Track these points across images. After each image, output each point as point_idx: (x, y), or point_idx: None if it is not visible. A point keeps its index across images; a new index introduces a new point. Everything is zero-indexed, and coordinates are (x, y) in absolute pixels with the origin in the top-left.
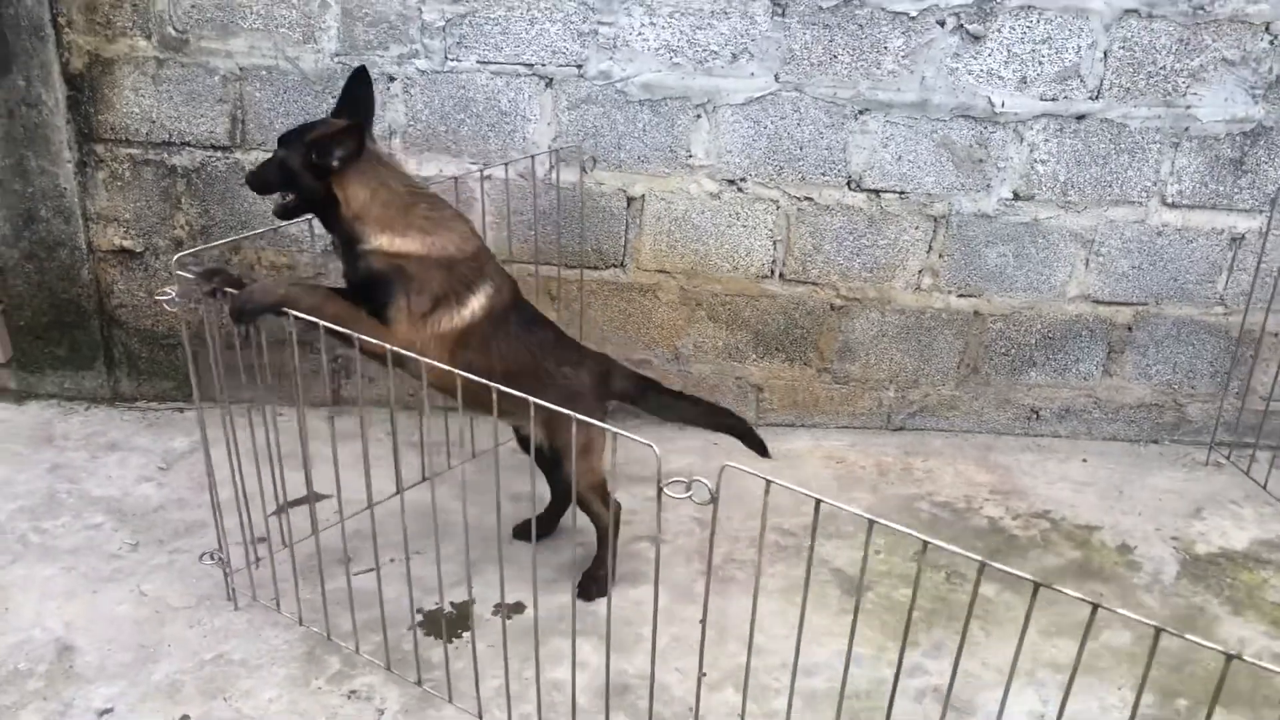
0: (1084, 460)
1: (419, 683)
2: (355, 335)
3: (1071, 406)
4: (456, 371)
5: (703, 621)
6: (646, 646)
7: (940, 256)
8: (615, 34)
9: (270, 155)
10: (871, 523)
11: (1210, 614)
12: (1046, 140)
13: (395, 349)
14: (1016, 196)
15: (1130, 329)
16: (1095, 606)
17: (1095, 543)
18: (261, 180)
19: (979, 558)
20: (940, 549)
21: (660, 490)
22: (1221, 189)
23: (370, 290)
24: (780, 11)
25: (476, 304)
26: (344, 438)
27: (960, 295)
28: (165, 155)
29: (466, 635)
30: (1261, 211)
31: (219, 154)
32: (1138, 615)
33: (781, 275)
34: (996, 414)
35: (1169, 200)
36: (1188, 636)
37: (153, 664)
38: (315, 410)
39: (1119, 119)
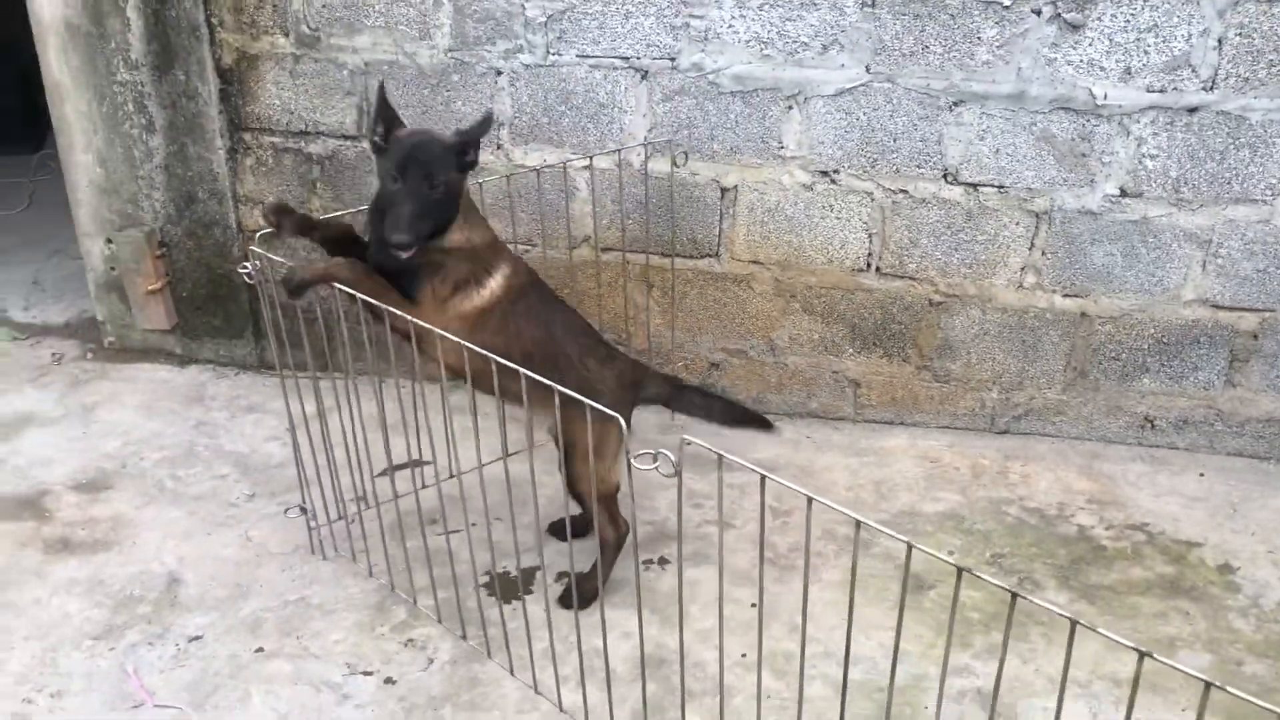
0: (1200, 475)
1: (464, 636)
2: (385, 309)
3: (1190, 417)
4: (465, 345)
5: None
6: (692, 624)
7: (1043, 254)
8: (706, 26)
9: (404, 192)
10: (810, 500)
11: None
12: (1155, 134)
13: (419, 323)
14: (1123, 193)
15: (1256, 337)
16: (1074, 622)
17: (1193, 559)
18: (421, 218)
19: (952, 562)
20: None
21: (629, 462)
22: None
23: (403, 276)
24: (870, 2)
25: (495, 284)
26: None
27: (1065, 295)
28: (302, 143)
29: (527, 599)
30: None
31: (348, 143)
32: (1187, 668)
33: (877, 269)
34: (1107, 421)
35: None
36: (1232, 690)
37: (243, 600)
38: (421, 384)
39: (1237, 111)
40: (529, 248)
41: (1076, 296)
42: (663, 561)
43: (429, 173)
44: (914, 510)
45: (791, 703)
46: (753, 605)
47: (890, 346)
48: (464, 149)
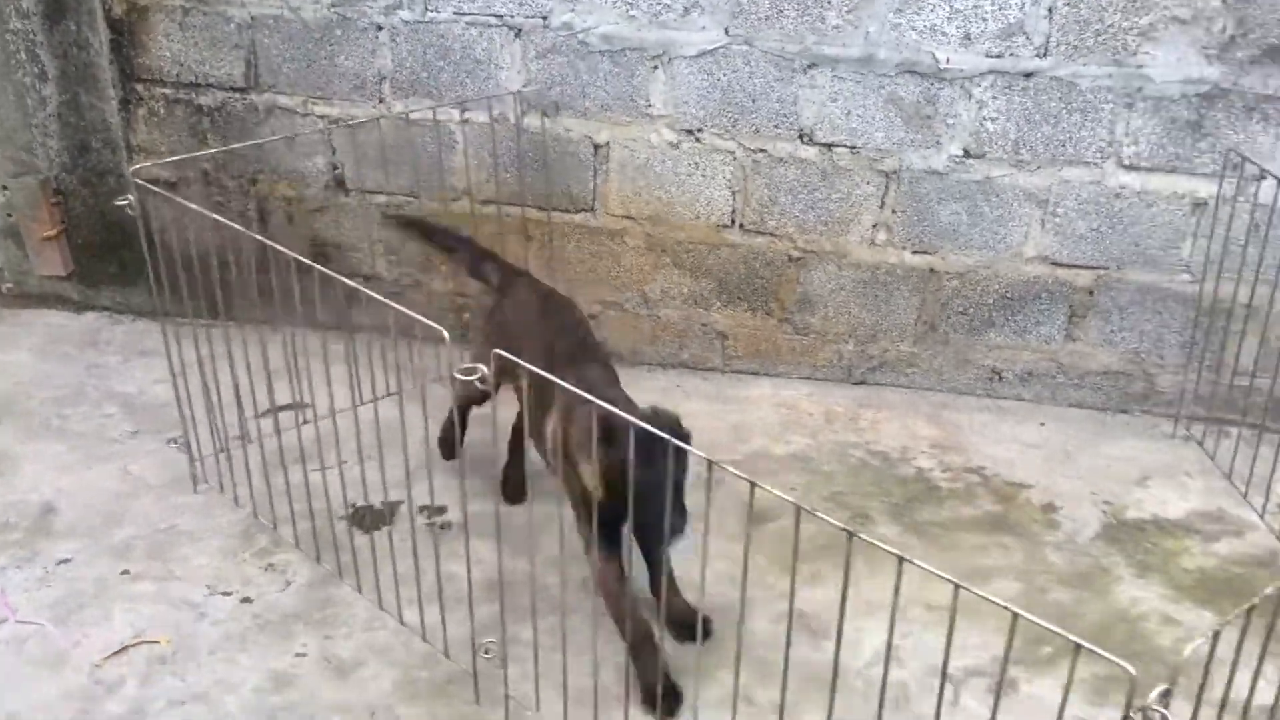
0: (1041, 424)
1: (319, 560)
2: None
3: (1034, 370)
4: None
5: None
6: (544, 552)
7: (893, 212)
8: None
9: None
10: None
11: (1114, 575)
12: (995, 98)
13: None
14: (967, 154)
15: (1091, 293)
16: (900, 559)
17: (1021, 500)
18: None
19: (793, 501)
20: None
21: (453, 376)
22: (1180, 152)
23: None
24: None
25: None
26: (318, 356)
27: (915, 252)
28: (193, 95)
29: (389, 529)
30: (1228, 178)
31: (236, 95)
32: (995, 598)
33: (741, 226)
34: (956, 373)
35: (1126, 162)
36: (1030, 617)
37: (115, 528)
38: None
39: (1068, 77)
40: (410, 199)
41: (925, 253)
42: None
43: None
44: (765, 452)
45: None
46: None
47: (754, 300)
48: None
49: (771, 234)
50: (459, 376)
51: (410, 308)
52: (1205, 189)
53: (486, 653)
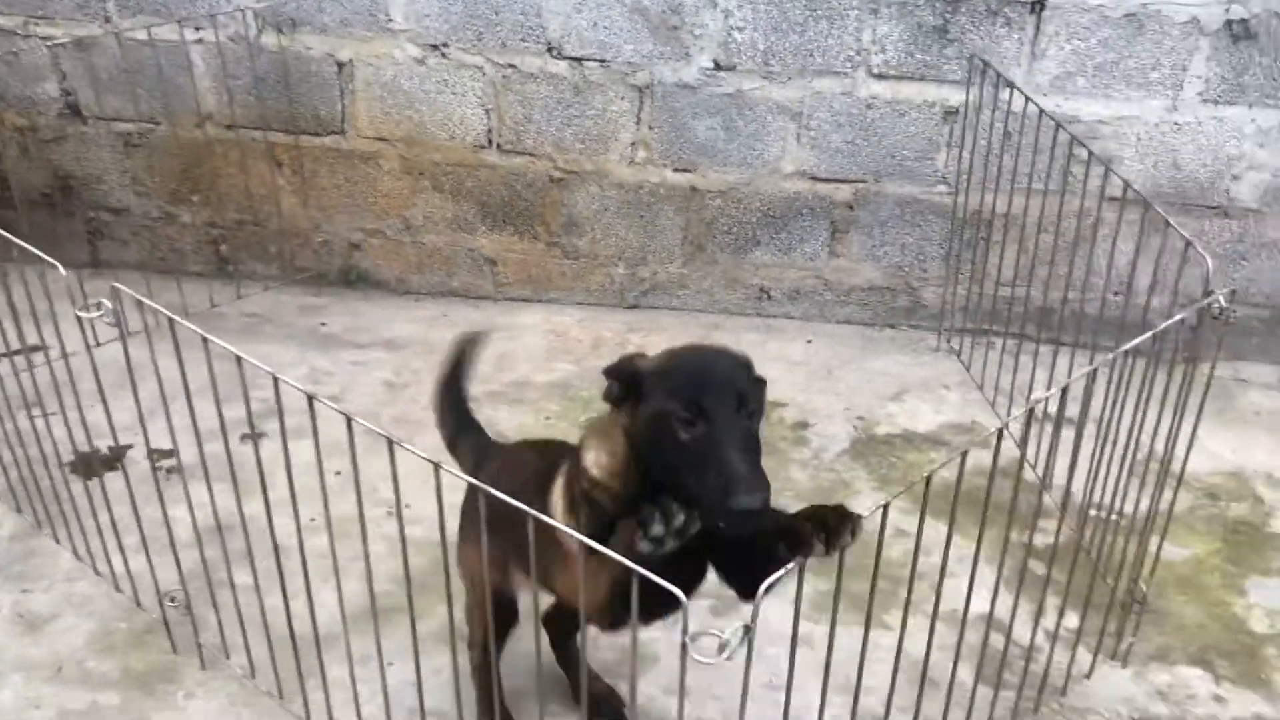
0: (809, 341)
1: (19, 510)
2: None
3: (801, 288)
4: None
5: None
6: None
7: (650, 129)
8: None
9: (720, 434)
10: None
11: (854, 489)
12: (740, 6)
13: None
14: (718, 66)
15: (852, 208)
16: (436, 465)
17: (774, 419)
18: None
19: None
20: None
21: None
22: (928, 59)
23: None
24: None
25: None
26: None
27: (675, 170)
28: None
29: (108, 475)
30: (974, 84)
31: None
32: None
33: (498, 146)
34: (726, 294)
35: (875, 71)
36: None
37: None
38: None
39: None
40: (152, 126)
41: (686, 171)
42: (261, 436)
43: (739, 392)
44: (526, 380)
45: (351, 559)
46: (337, 473)
47: (520, 224)
48: (748, 363)
49: (530, 154)
50: (85, 315)
51: (162, 241)
52: (955, 97)
53: (172, 600)
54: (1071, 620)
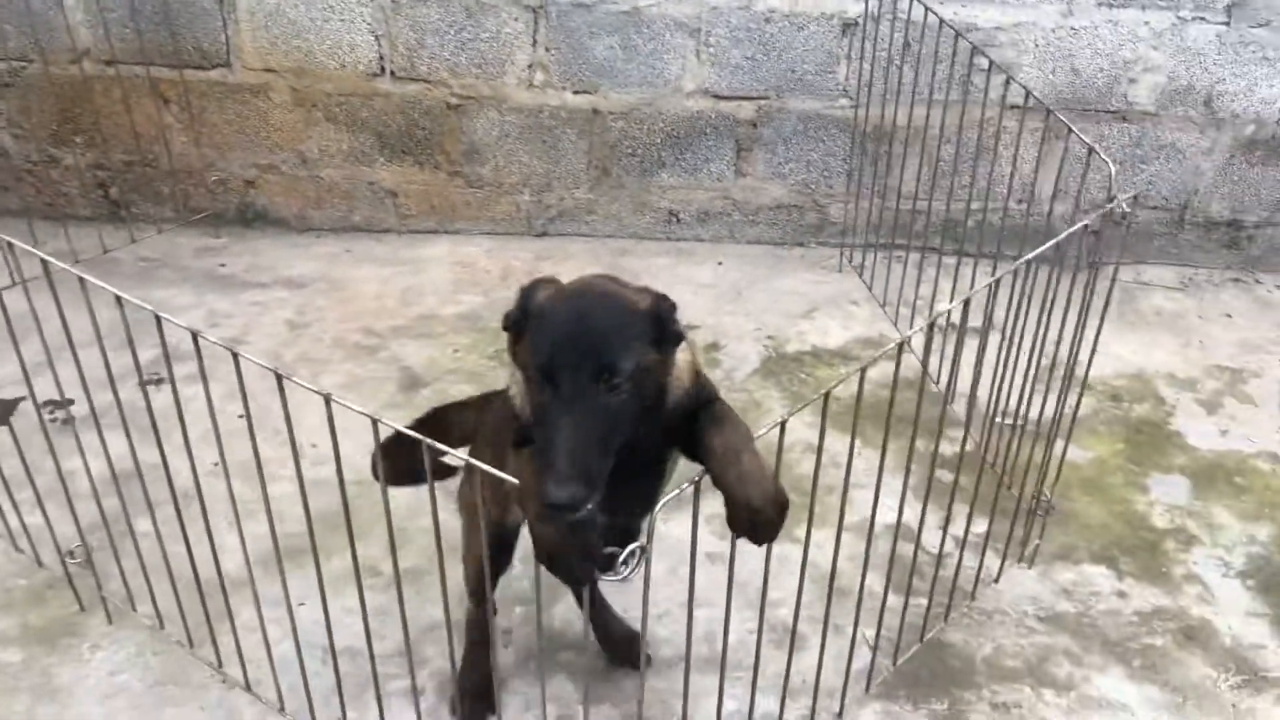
0: (719, 263)
1: None
2: None
3: (709, 209)
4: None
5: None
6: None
7: (547, 50)
8: None
9: (558, 408)
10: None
11: (765, 407)
12: None
13: None
14: None
15: (755, 125)
16: (327, 398)
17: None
18: (592, 450)
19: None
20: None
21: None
22: None
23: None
24: None
25: None
26: None
27: (576, 92)
28: None
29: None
30: None
31: None
32: None
33: (391, 73)
34: (635, 218)
35: None
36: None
37: None
38: None
39: None
40: (24, 64)
41: (586, 93)
42: (159, 381)
43: (604, 363)
44: (434, 314)
45: (257, 503)
46: (240, 416)
47: (420, 153)
48: (660, 313)
49: (425, 80)
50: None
51: (47, 186)
52: (853, 8)
53: (72, 556)
54: (979, 526)
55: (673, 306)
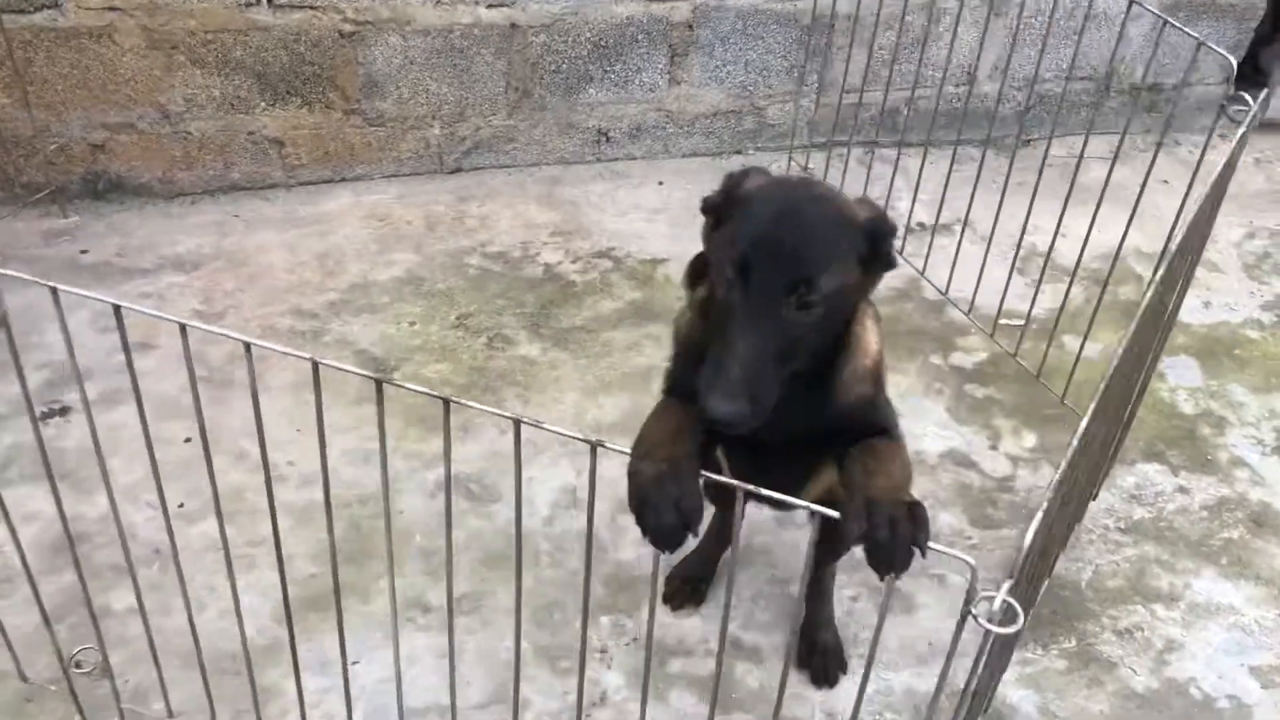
0: (660, 183)
1: None
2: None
3: (642, 124)
4: None
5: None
6: (117, 480)
7: None
8: None
9: (744, 314)
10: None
11: None
12: None
13: None
14: None
15: (691, 27)
16: (379, 381)
17: (659, 279)
18: (767, 369)
19: (243, 339)
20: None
21: None
22: None
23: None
24: None
25: None
26: None
27: (490, 6)
28: None
29: None
30: None
31: None
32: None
33: (270, 1)
34: (561, 142)
35: None
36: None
37: None
38: None
39: None
40: None
41: (502, 6)
42: (65, 411)
43: (802, 275)
44: (367, 281)
45: (247, 546)
46: (187, 440)
47: (308, 93)
48: (878, 230)
49: (311, 6)
50: None
51: None
52: None
53: (78, 666)
54: (1029, 440)
55: (893, 228)
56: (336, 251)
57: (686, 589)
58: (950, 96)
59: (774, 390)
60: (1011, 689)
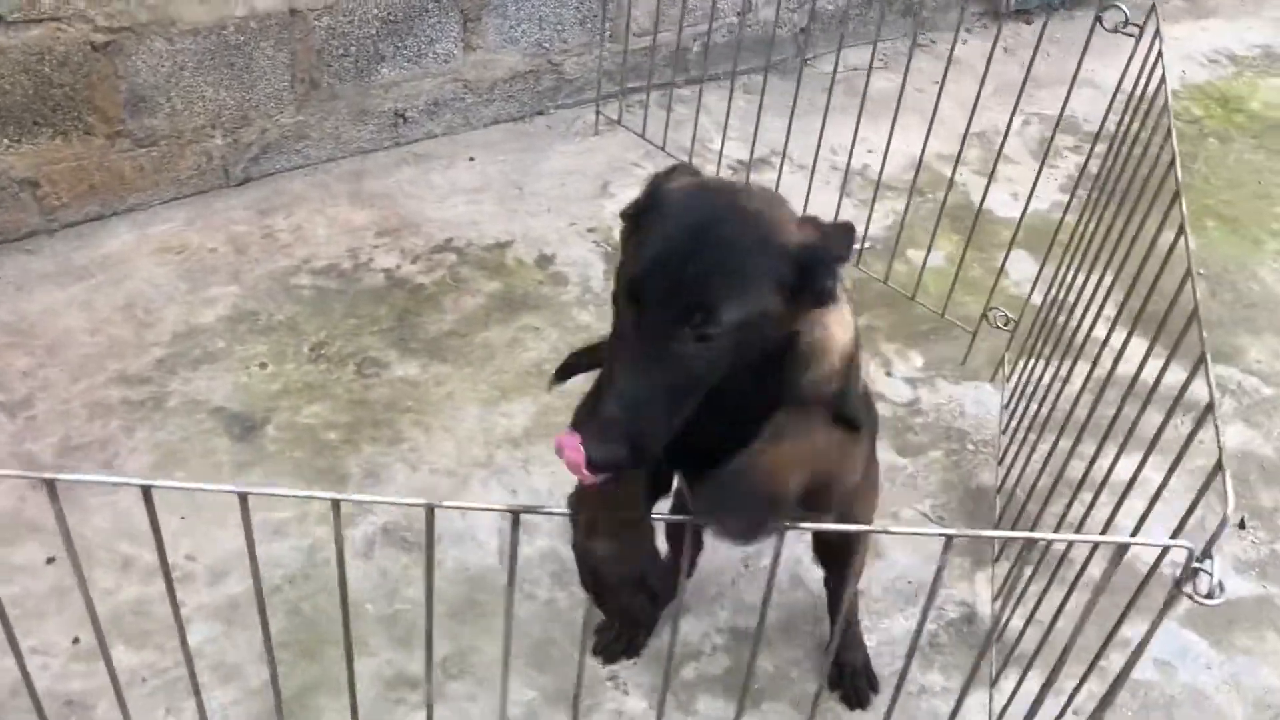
0: (471, 159)
1: None
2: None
3: (439, 98)
4: None
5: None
6: None
7: None
8: None
9: (631, 346)
10: None
11: None
12: None
13: None
14: None
15: None
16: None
17: (511, 264)
18: (656, 405)
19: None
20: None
21: None
22: None
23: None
24: None
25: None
26: None
27: None
28: None
29: None
30: None
31: None
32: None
33: (2, 18)
34: (355, 130)
35: None
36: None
37: None
38: None
39: None
40: None
41: None
42: None
43: (700, 303)
44: (190, 326)
45: (178, 667)
46: (50, 561)
47: (61, 121)
48: (812, 257)
49: (53, 18)
50: None
51: None
52: None
53: None
54: (916, 360)
55: (836, 255)
56: (141, 299)
57: (620, 643)
58: (732, 27)
59: (663, 430)
60: None
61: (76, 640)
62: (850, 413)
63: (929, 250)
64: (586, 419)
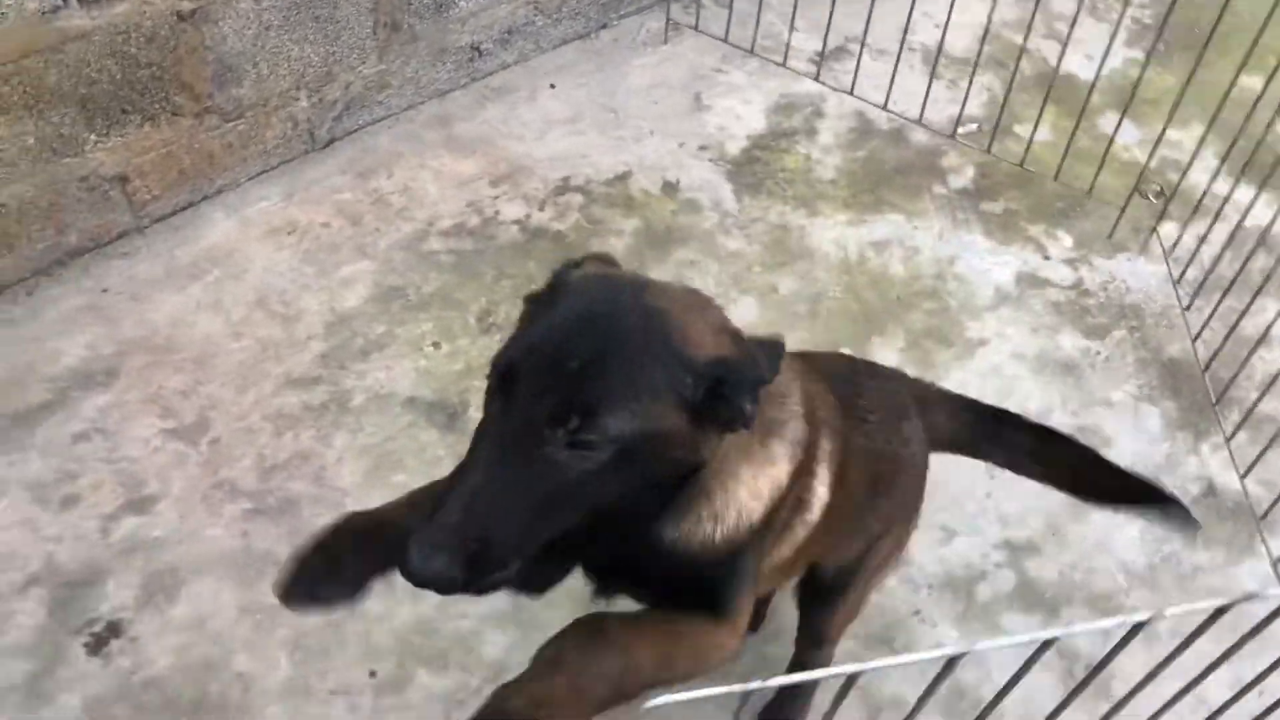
0: (552, 86)
1: None
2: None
3: (512, 25)
4: None
5: None
6: None
7: None
8: None
9: (488, 448)
10: None
11: (794, 225)
12: None
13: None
14: None
15: None
16: None
17: (640, 197)
18: (513, 522)
19: None
20: None
21: None
22: None
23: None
24: None
25: (823, 479)
26: None
27: None
28: None
29: None
30: None
31: None
32: None
33: (80, 1)
34: (433, 72)
35: None
36: None
37: None
38: None
39: None
40: None
41: None
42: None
43: (578, 404)
44: (337, 314)
45: None
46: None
47: (149, 104)
48: (722, 376)
49: None
50: None
51: None
52: None
53: None
54: (1065, 240)
55: (750, 378)
56: (272, 291)
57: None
58: None
59: (513, 550)
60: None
61: (373, 674)
62: (720, 593)
63: (1035, 126)
64: (421, 522)
